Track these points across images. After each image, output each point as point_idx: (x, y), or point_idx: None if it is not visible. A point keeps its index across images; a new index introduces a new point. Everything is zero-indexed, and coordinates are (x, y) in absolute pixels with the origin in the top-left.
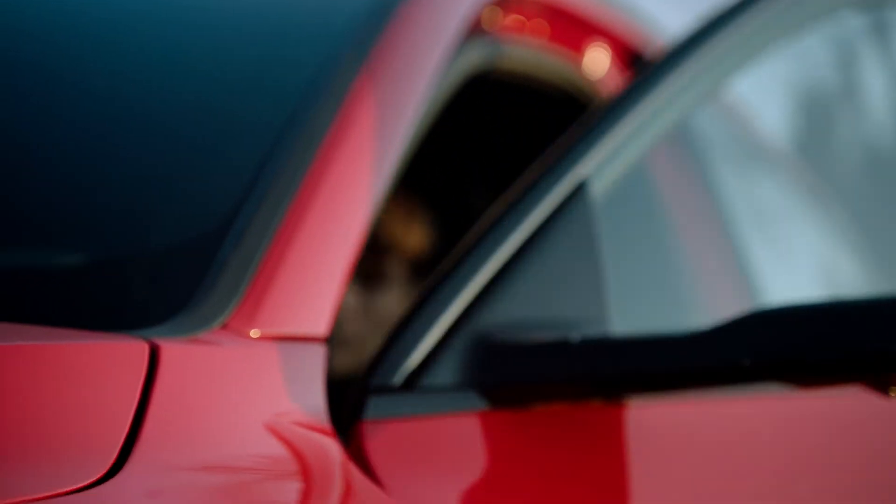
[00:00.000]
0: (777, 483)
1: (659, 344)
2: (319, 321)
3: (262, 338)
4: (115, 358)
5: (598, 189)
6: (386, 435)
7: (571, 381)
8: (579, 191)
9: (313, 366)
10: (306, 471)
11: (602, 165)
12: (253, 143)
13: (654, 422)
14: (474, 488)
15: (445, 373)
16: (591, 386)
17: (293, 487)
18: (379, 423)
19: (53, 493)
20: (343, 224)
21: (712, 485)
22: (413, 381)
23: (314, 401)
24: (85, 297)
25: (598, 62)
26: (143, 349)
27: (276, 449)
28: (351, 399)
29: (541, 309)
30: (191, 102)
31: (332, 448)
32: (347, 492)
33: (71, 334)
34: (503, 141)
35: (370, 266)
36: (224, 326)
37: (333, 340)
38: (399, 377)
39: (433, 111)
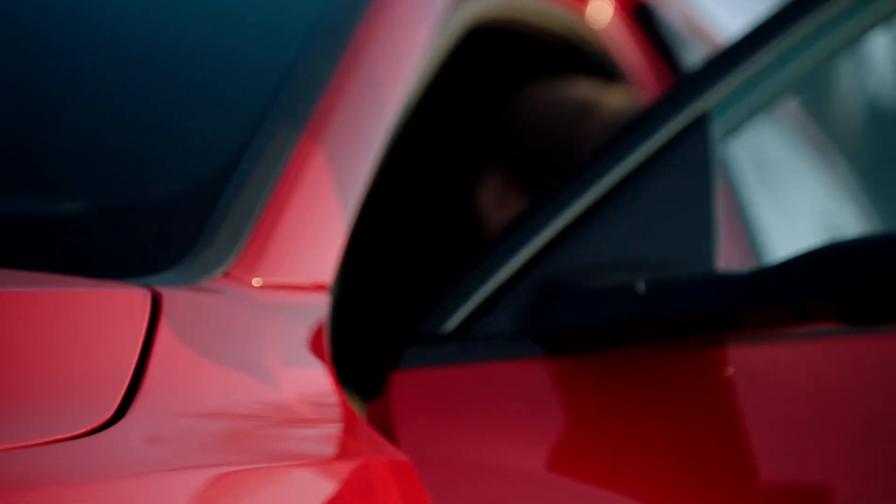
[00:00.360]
0: (845, 421)
1: (723, 283)
2: (322, 270)
3: (264, 286)
4: (117, 305)
5: (720, 126)
6: (425, 383)
7: (634, 325)
8: (696, 126)
9: (316, 314)
10: (308, 419)
11: (728, 100)
12: (255, 89)
13: (721, 366)
14: (511, 435)
15: (500, 321)
16: (654, 330)
17: (295, 434)
18: (421, 371)
19: (56, 438)
20: (346, 173)
21: (780, 428)
22: (465, 330)
23: (317, 349)
24: (86, 245)
25: (601, 12)
26: (144, 297)
27: (279, 397)
28: (388, 347)
29: (617, 251)
30: (194, 49)
31: (334, 396)
32: (349, 440)
33: (72, 281)
34: (505, 91)
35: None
36: (226, 275)
37: (335, 289)
38: (451, 325)
39: (435, 61)
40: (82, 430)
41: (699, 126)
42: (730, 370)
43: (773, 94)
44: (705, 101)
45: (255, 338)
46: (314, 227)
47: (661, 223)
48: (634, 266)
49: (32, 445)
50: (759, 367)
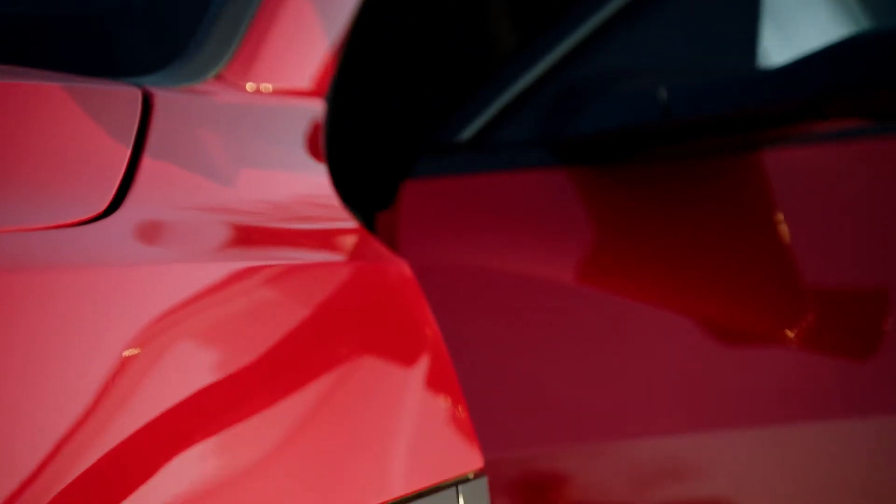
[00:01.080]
0: (874, 223)
1: (746, 83)
2: (318, 76)
3: (258, 91)
4: (108, 102)
5: None
6: (437, 193)
7: (656, 131)
8: None
9: (312, 119)
10: (307, 219)
11: None
12: None
13: (744, 171)
14: (525, 245)
15: (518, 130)
16: (676, 136)
17: (294, 233)
18: (434, 181)
19: (54, 224)
20: None
21: (811, 231)
22: (481, 139)
23: (314, 154)
24: (78, 45)
25: None
26: (135, 95)
27: (276, 196)
28: (400, 157)
29: (646, 57)
30: None
31: (333, 200)
32: (349, 244)
33: (64, 77)
34: None
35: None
36: (218, 78)
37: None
38: (467, 133)
39: None
40: (77, 220)
41: None
42: (755, 175)
43: None
44: None
45: (250, 139)
46: (309, 32)
47: (697, 27)
48: (663, 72)
49: (29, 230)
50: (786, 169)
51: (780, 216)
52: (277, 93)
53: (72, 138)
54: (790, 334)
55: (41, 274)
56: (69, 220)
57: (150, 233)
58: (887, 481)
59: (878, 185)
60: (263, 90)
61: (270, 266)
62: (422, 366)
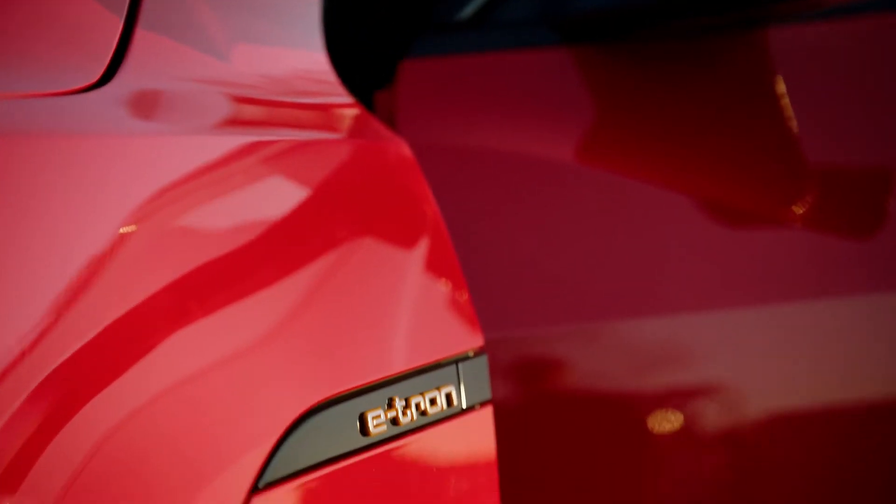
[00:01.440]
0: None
1: None
2: None
3: None
4: None
5: None
6: (437, 72)
7: (659, 9)
8: None
9: (308, 3)
10: (304, 92)
11: None
12: None
13: (749, 50)
14: (525, 123)
15: (519, 8)
16: (680, 10)
17: (292, 102)
18: (434, 60)
19: (48, 92)
20: None
21: (817, 110)
22: (482, 17)
23: (311, 33)
24: None
25: None
26: None
27: (273, 71)
28: (398, 35)
29: None
30: None
31: (331, 77)
32: (347, 120)
33: None
34: None
35: None
36: None
37: None
38: (467, 12)
39: None
40: (72, 88)
41: None
42: (760, 52)
43: None
44: None
45: (246, 14)
46: None
47: None
48: None
49: (18, 97)
50: (791, 47)
51: (785, 94)
52: None
53: (63, 8)
54: (795, 212)
55: (39, 139)
56: (63, 89)
57: (145, 103)
58: (890, 357)
59: (884, 61)
60: None
61: (271, 142)
62: (422, 245)
